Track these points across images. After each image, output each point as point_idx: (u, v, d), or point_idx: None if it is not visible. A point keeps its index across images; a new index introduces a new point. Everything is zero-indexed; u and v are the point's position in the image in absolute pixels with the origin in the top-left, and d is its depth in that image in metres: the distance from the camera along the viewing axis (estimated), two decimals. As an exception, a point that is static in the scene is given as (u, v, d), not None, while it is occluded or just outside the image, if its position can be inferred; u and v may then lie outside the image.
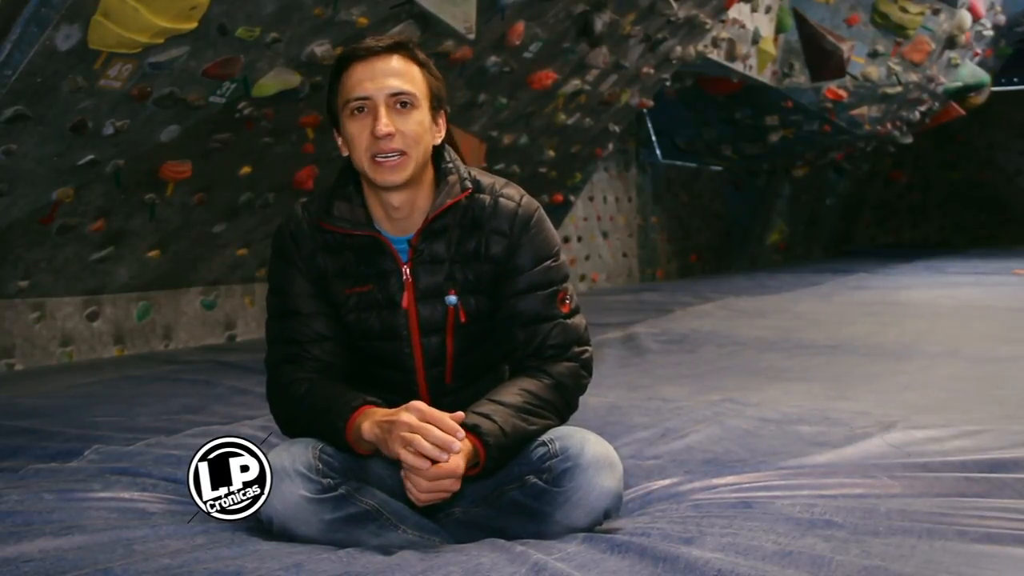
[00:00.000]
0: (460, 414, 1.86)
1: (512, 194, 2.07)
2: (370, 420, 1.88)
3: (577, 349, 2.05)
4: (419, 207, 2.02)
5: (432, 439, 1.80)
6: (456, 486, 1.83)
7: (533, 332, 2.03)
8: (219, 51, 4.26)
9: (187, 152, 4.76)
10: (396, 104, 1.96)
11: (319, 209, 2.05)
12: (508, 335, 2.05)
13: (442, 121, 2.06)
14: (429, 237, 2.02)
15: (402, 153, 1.95)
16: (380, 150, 1.95)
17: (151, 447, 2.82)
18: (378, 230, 2.03)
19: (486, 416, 1.89)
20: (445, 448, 1.79)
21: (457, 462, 1.81)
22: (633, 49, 7.11)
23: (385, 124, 1.93)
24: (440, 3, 4.90)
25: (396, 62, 1.98)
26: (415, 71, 2.00)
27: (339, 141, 2.04)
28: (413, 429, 1.81)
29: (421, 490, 1.81)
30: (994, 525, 1.99)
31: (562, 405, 2.03)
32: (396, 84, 1.96)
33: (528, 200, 2.07)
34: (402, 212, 2.02)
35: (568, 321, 2.05)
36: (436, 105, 2.03)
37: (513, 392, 1.96)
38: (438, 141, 2.05)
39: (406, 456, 1.80)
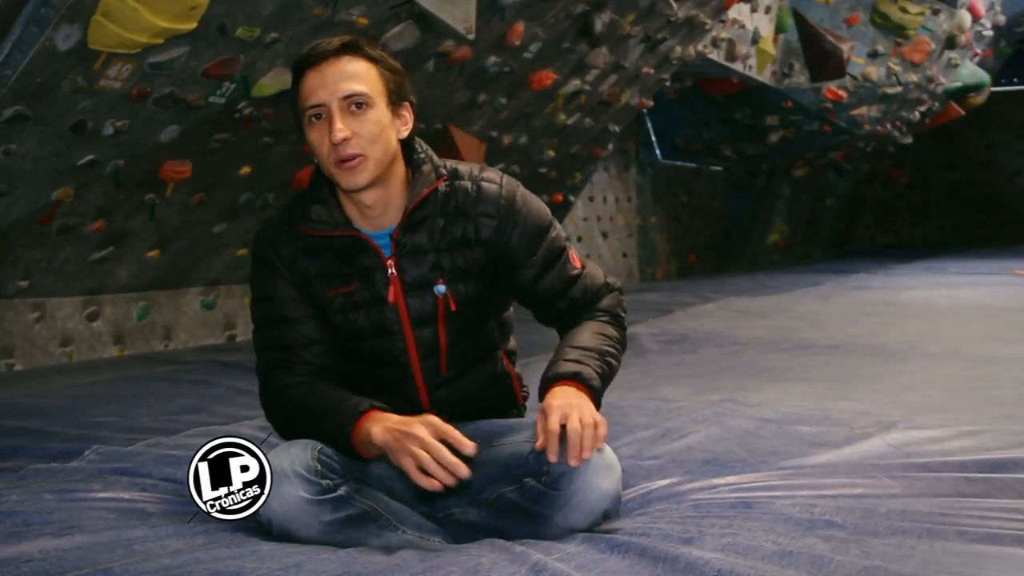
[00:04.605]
0: (474, 445, 1.83)
1: (492, 177, 2.08)
2: (381, 425, 1.87)
3: (608, 280, 2.15)
4: (394, 202, 2.02)
5: (442, 460, 1.79)
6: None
7: (570, 298, 2.10)
8: (219, 51, 4.26)
9: (187, 152, 4.76)
10: (350, 106, 1.94)
11: (296, 214, 2.04)
12: (548, 310, 2.13)
13: (407, 113, 2.03)
14: (410, 229, 2.02)
15: (361, 156, 1.94)
16: (339, 156, 1.93)
17: (151, 447, 2.82)
18: (357, 229, 2.03)
19: (578, 361, 1.95)
20: (453, 471, 1.80)
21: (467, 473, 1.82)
22: (633, 49, 7.10)
23: (339, 129, 1.92)
24: (440, 3, 4.90)
25: (346, 63, 1.95)
26: (367, 69, 1.97)
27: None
28: (425, 446, 1.80)
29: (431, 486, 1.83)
30: (994, 525, 1.98)
31: (623, 338, 2.12)
32: (347, 87, 1.93)
33: (508, 179, 2.09)
34: (376, 210, 2.01)
35: (587, 271, 2.13)
36: (396, 99, 2.00)
37: (589, 336, 2.03)
38: (404, 135, 2.03)
39: (414, 473, 1.80)
